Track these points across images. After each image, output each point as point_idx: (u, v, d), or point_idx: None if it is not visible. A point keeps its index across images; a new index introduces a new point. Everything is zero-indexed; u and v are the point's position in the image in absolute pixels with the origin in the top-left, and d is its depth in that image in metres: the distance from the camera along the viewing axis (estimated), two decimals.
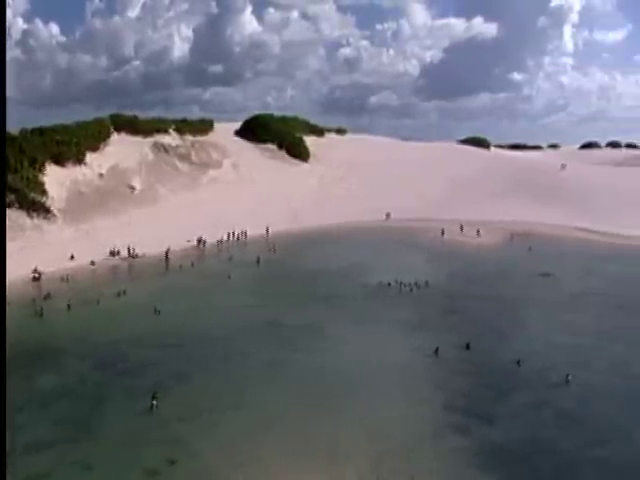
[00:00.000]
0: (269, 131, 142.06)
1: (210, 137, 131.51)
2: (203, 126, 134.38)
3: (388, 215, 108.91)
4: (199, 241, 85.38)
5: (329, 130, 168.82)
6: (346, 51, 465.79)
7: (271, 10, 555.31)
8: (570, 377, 42.55)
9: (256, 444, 32.84)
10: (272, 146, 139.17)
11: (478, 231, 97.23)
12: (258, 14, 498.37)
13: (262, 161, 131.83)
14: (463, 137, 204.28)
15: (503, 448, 33.47)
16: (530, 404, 39.21)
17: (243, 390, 39.51)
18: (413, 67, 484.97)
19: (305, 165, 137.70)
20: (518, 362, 45.05)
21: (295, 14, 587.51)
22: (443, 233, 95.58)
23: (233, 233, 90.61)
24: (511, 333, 53.34)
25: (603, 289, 68.03)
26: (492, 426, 36.07)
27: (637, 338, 52.32)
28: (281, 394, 39.14)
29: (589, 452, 33.44)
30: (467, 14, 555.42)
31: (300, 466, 31.32)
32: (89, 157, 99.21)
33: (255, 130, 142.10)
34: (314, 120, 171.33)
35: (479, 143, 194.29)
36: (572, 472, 31.61)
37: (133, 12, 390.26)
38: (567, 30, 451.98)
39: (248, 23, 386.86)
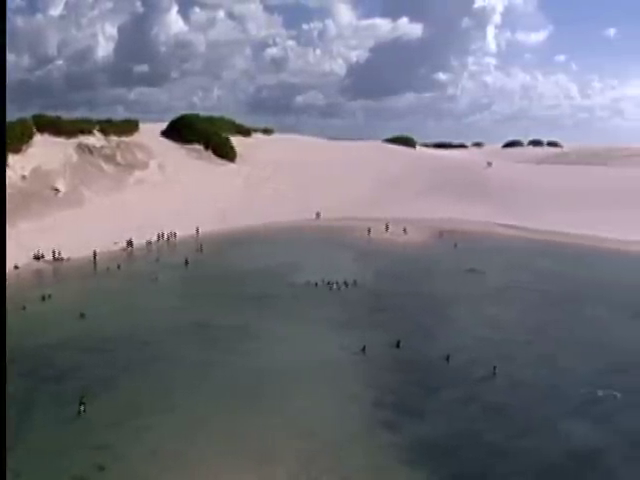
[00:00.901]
0: (195, 131, 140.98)
1: (135, 138, 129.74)
2: (128, 127, 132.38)
3: (318, 214, 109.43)
4: (128, 243, 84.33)
5: (256, 130, 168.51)
6: (273, 51, 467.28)
7: (197, 10, 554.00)
8: (497, 370, 43.51)
9: (186, 446, 32.63)
10: (198, 146, 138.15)
11: (405, 229, 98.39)
12: (184, 13, 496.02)
13: (188, 162, 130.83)
14: (389, 136, 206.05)
15: (432, 443, 33.93)
16: (458, 398, 39.85)
17: (172, 392, 39.13)
18: (339, 67, 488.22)
19: (232, 165, 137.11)
20: (447, 357, 45.84)
21: (221, 14, 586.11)
22: (370, 232, 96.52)
23: (162, 234, 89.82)
24: (439, 329, 54.06)
25: (527, 283, 69.79)
26: (422, 421, 36.53)
27: (561, 331, 53.85)
28: (210, 395, 38.98)
29: (515, 443, 34.22)
30: (393, 15, 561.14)
31: (231, 467, 31.26)
32: (11, 159, 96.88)
33: (181, 130, 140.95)
34: (241, 120, 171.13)
35: (405, 142, 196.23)
36: (499, 463, 32.22)
37: (56, 10, 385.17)
38: (490, 31, 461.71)
39: (174, 22, 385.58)
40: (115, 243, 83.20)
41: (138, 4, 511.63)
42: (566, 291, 67.21)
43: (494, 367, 43.83)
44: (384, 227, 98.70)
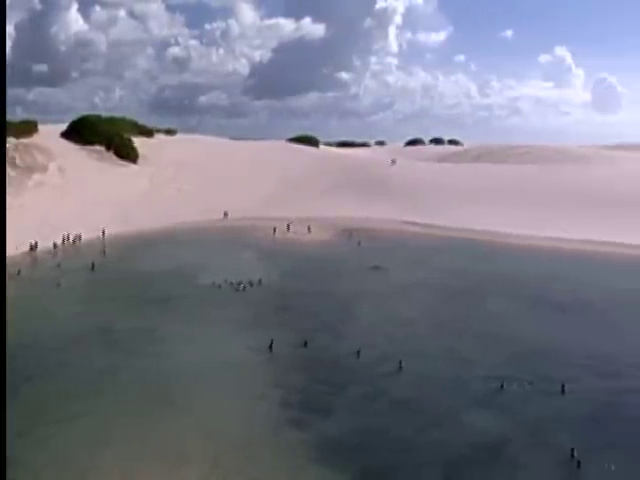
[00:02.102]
0: (96, 132, 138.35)
1: (35, 139, 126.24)
2: (27, 128, 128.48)
3: (226, 214, 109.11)
4: (31, 247, 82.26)
5: (158, 131, 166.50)
6: (175, 50, 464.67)
7: (97, 8, 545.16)
8: (402, 365, 44.33)
9: (94, 454, 32.00)
10: (100, 148, 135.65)
11: (309, 228, 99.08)
12: (84, 12, 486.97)
13: (90, 163, 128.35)
14: (293, 136, 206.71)
15: (341, 440, 34.25)
16: (366, 395, 40.41)
17: (77, 400, 38.14)
18: (243, 67, 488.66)
19: (134, 166, 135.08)
20: (354, 354, 46.43)
21: (122, 13, 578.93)
22: (275, 231, 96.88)
23: (67, 237, 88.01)
24: (345, 327, 54.54)
25: (431, 279, 71.24)
26: (329, 419, 36.86)
27: (464, 325, 55.26)
28: (117, 401, 38.28)
29: (422, 436, 34.88)
30: (296, 15, 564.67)
31: (141, 471, 30.87)
32: None
33: (82, 132, 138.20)
34: (143, 121, 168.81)
35: (308, 141, 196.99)
36: (407, 457, 32.73)
37: None
38: (392, 31, 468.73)
39: (74, 21, 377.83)
40: (16, 248, 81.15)
41: (36, 1, 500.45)
42: (468, 286, 68.96)
43: (400, 362, 44.60)
44: (290, 226, 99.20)
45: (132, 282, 67.92)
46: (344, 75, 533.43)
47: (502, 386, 41.62)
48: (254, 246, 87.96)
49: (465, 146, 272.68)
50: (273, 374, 43.52)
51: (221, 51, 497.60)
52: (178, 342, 49.15)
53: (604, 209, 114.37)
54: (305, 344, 48.59)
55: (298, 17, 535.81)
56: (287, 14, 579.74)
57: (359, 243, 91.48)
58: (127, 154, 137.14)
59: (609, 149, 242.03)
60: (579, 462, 31.83)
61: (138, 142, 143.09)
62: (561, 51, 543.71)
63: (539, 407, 39.20)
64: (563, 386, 41.28)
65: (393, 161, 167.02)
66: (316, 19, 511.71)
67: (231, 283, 66.01)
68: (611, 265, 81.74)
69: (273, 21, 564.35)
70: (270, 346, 47.66)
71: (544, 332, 53.64)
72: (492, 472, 31.69)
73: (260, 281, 67.28)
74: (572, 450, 32.43)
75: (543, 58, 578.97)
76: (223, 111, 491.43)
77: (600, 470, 31.57)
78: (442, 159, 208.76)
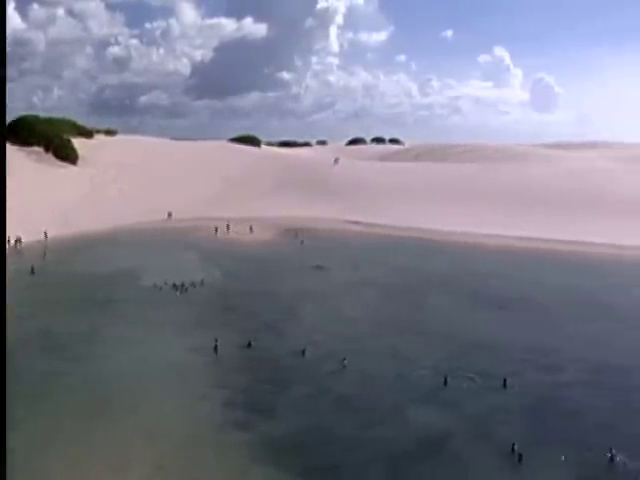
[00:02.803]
0: (35, 133, 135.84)
1: None
2: None
3: (170, 215, 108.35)
4: None
5: (98, 131, 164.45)
6: (115, 50, 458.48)
7: (35, 6, 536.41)
8: (346, 363, 44.67)
9: (34, 461, 31.46)
10: (38, 149, 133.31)
11: (251, 228, 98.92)
12: (22, 10, 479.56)
13: (28, 165, 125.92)
14: (234, 136, 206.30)
15: (285, 439, 34.32)
16: (309, 394, 40.57)
17: (18, 403, 37.31)
18: (184, 66, 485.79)
19: (74, 168, 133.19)
20: (299, 353, 46.69)
21: (61, 11, 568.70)
22: (217, 231, 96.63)
23: (8, 240, 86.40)
24: (288, 326, 54.55)
25: (373, 278, 71.86)
26: (273, 419, 36.85)
27: (406, 323, 55.75)
28: (58, 406, 37.72)
29: (366, 434, 35.09)
30: (237, 14, 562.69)
31: (82, 475, 30.53)
32: None
33: (20, 132, 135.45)
34: (83, 121, 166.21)
35: (250, 141, 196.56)
36: (350, 455, 32.93)
37: None
38: (333, 31, 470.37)
39: (11, 19, 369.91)
40: None
41: None
42: (410, 284, 69.69)
43: (343, 360, 44.98)
44: (232, 226, 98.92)
45: (73, 285, 66.99)
46: (285, 75, 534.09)
47: (445, 382, 42.13)
48: (196, 246, 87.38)
49: (406, 145, 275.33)
50: (216, 375, 43.41)
51: (162, 51, 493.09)
52: (120, 344, 48.56)
53: (542, 207, 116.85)
54: (249, 344, 48.46)
55: (239, 17, 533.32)
56: (228, 14, 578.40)
57: (302, 243, 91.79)
58: (67, 155, 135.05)
59: (547, 148, 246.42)
60: (520, 455, 32.41)
61: (77, 143, 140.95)
62: (500, 51, 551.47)
63: (482, 402, 39.78)
64: (505, 381, 42.02)
65: (336, 160, 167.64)
66: (258, 19, 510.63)
67: (173, 284, 65.37)
68: (549, 261, 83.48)
69: (214, 21, 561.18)
70: (215, 347, 47.46)
71: (485, 328, 54.57)
72: (436, 467, 32.03)
73: (202, 282, 66.97)
74: (513, 444, 33.01)
75: (482, 58, 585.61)
76: (164, 111, 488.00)
77: (540, 463, 32.20)
78: (383, 158, 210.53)
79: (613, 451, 32.82)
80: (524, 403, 39.75)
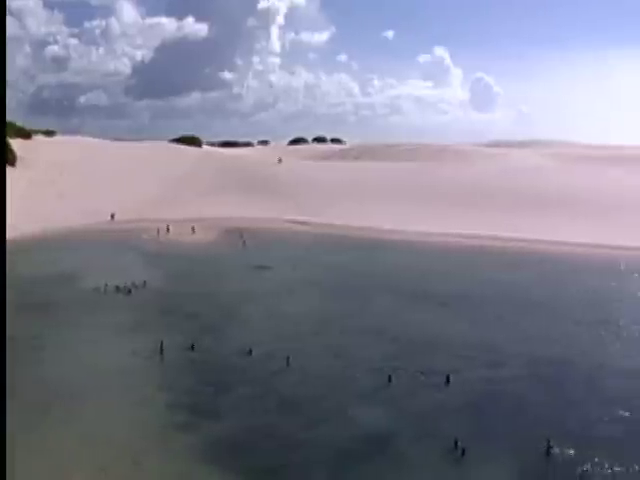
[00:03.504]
0: None
1: None
2: None
3: (112, 216, 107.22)
4: None
5: (37, 132, 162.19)
6: (54, 49, 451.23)
7: None
8: (290, 363, 44.77)
9: None
10: None
11: (193, 228, 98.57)
12: None
13: None
14: (176, 136, 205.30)
15: (229, 441, 34.20)
16: (254, 394, 40.39)
17: None
18: (124, 66, 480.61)
19: (12, 169, 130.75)
20: (243, 354, 46.62)
21: None
22: (159, 232, 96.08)
23: None
24: (232, 327, 54.38)
25: (316, 277, 72.10)
26: (218, 420, 36.68)
27: (349, 321, 56.06)
28: None
29: (310, 433, 35.15)
30: (178, 14, 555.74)
31: None
32: None
33: None
34: (21, 122, 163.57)
35: (191, 142, 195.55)
36: (295, 454, 32.90)
37: None
38: (274, 31, 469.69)
39: None
40: None
41: None
42: (352, 282, 70.23)
43: (287, 359, 45.06)
44: (173, 228, 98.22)
45: (9, 288, 65.48)
46: (227, 75, 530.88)
47: (389, 379, 42.45)
48: (139, 248, 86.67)
49: (348, 144, 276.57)
50: (160, 378, 42.95)
51: (101, 50, 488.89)
52: (60, 349, 47.88)
53: (483, 204, 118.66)
54: (192, 347, 48.06)
55: (180, 16, 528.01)
56: (169, 13, 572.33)
57: (244, 243, 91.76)
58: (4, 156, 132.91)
59: (487, 147, 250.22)
60: (463, 450, 32.82)
61: (15, 144, 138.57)
62: (440, 51, 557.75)
63: (425, 399, 40.19)
64: (448, 377, 42.49)
65: (279, 160, 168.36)
66: (199, 18, 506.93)
67: (116, 287, 64.54)
68: (490, 258, 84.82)
69: (155, 20, 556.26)
70: (159, 349, 47.04)
71: (427, 325, 55.19)
72: (380, 465, 32.17)
73: (145, 284, 66.31)
74: (456, 440, 33.38)
75: (422, 58, 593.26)
76: (104, 112, 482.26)
77: (482, 457, 32.66)
78: (325, 158, 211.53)
79: (550, 442, 33.62)
80: (466, 399, 40.26)
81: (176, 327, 53.34)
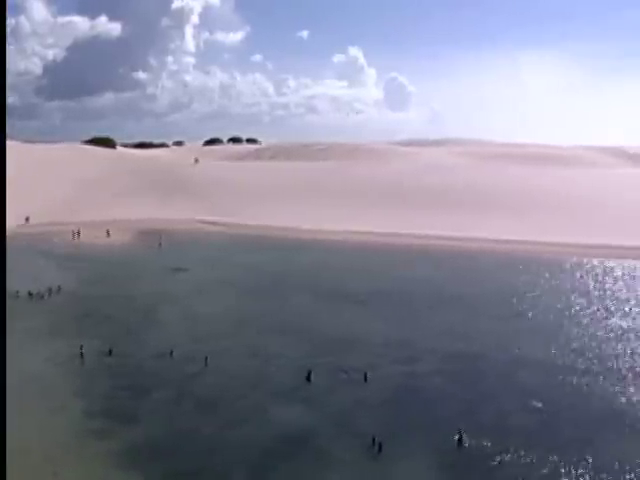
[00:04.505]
0: None
1: None
2: None
3: (27, 219, 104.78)
4: None
5: None
6: None
7: None
8: (209, 364, 44.87)
9: None
10: None
11: (108, 231, 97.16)
12: None
13: None
14: (88, 137, 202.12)
15: (148, 445, 33.99)
16: (172, 397, 40.28)
17: None
18: (35, 66, 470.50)
19: None
20: (160, 357, 46.49)
21: None
22: (74, 235, 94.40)
23: None
24: (150, 330, 53.97)
25: (233, 278, 72.13)
26: (136, 425, 36.35)
27: (267, 321, 56.40)
28: None
29: (230, 434, 35.24)
30: (90, 12, 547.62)
31: None
32: None
33: None
34: None
35: (105, 143, 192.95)
36: (215, 456, 32.93)
37: None
38: (189, 31, 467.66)
39: None
40: None
41: None
42: (269, 283, 70.48)
43: (206, 360, 45.14)
44: (87, 231, 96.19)
45: None
46: (141, 75, 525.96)
47: (308, 378, 42.90)
48: (53, 252, 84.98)
49: (263, 144, 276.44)
50: (77, 384, 42.33)
51: (11, 49, 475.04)
52: None
53: (397, 202, 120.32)
54: (110, 352, 47.49)
55: (93, 15, 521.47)
56: (81, 12, 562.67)
57: (160, 245, 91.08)
58: None
59: (401, 145, 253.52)
60: (380, 446, 33.39)
61: None
62: (354, 51, 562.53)
63: (343, 396, 40.72)
64: (365, 374, 43.19)
65: (196, 160, 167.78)
66: (112, 17, 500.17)
67: (29, 292, 63.13)
68: (407, 255, 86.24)
69: (67, 19, 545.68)
70: (77, 354, 46.45)
71: (344, 324, 55.81)
72: (299, 464, 32.43)
73: (60, 288, 65.11)
74: (374, 436, 33.93)
75: (337, 58, 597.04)
76: (14, 113, 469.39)
77: (399, 451, 33.30)
78: (241, 158, 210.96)
79: (462, 434, 34.70)
80: (384, 395, 40.99)
81: (93, 331, 52.61)
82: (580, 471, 31.56)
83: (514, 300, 64.29)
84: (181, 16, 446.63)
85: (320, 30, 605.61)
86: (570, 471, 31.57)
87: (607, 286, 71.43)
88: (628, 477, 31.10)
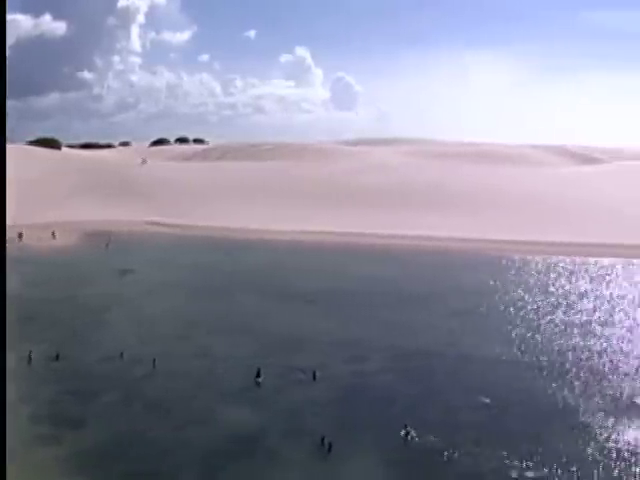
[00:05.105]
0: None
1: None
2: None
3: None
4: None
5: None
6: None
7: None
8: (157, 366, 44.59)
9: None
10: None
11: (53, 233, 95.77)
12: None
13: None
14: (33, 138, 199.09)
15: (97, 449, 33.54)
16: (120, 400, 39.86)
17: None
18: None
19: None
20: (108, 360, 45.96)
21: None
22: (20, 238, 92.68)
23: None
24: (97, 334, 53.22)
25: (181, 280, 71.97)
26: (84, 430, 35.89)
27: (215, 323, 56.18)
28: None
29: (180, 436, 34.93)
30: (34, 11, 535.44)
31: None
32: None
33: None
34: None
35: (49, 144, 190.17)
36: (165, 459, 32.68)
37: None
38: (135, 30, 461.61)
39: None
40: None
41: None
42: (216, 283, 70.36)
43: (154, 362, 44.82)
44: (33, 233, 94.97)
45: None
46: (86, 75, 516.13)
47: (257, 378, 42.91)
48: None
49: (210, 144, 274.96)
50: (21, 389, 40.95)
51: None
52: None
53: (346, 202, 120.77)
54: (57, 356, 46.71)
55: (37, 14, 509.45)
56: (25, 10, 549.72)
57: (107, 246, 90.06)
58: None
59: (349, 144, 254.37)
60: (330, 445, 33.44)
61: None
62: (301, 51, 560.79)
63: (293, 396, 40.78)
64: (314, 373, 43.32)
65: (144, 160, 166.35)
66: (56, 16, 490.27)
67: None
68: (357, 254, 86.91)
69: (10, 17, 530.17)
70: (29, 359, 45.77)
71: (294, 323, 55.93)
72: (249, 465, 32.34)
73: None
74: (323, 436, 33.95)
75: (284, 58, 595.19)
76: None
77: (348, 450, 33.39)
78: (188, 158, 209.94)
79: (408, 429, 35.05)
80: (333, 394, 41.11)
81: (39, 335, 51.67)
82: (528, 464, 32.00)
83: (464, 297, 65.18)
84: (127, 15, 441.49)
85: (267, 30, 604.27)
86: (518, 465, 31.98)
87: (554, 282, 72.92)
88: (574, 469, 31.53)
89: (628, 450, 33.81)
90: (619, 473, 31.63)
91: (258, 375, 43.11)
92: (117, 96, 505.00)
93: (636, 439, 35.15)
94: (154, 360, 45.14)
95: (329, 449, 33.42)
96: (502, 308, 61.92)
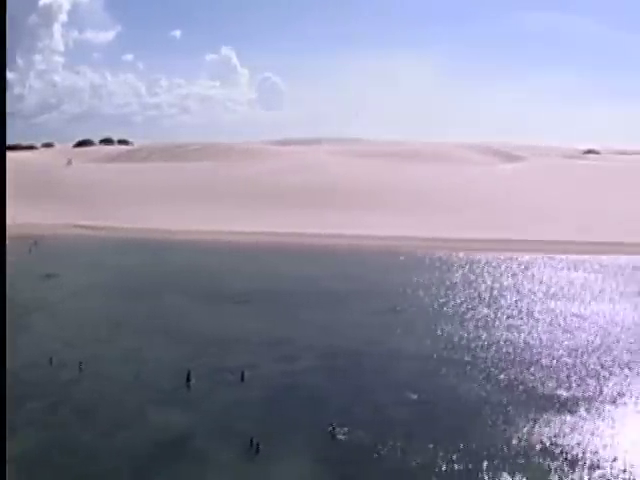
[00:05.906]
0: None
1: None
2: None
3: None
4: None
5: None
6: None
7: None
8: (83, 369, 44.30)
9: None
10: None
11: None
12: None
13: None
14: None
15: (23, 458, 32.61)
16: (48, 406, 39.45)
17: None
18: None
19: None
20: (34, 366, 45.32)
21: None
22: None
23: None
24: (21, 339, 50.71)
25: (107, 283, 71.64)
26: (9, 439, 33.63)
27: (143, 325, 56.08)
28: None
29: (108, 441, 34.62)
30: None
31: None
32: None
33: None
34: None
35: None
36: (92, 464, 32.28)
37: None
38: (57, 29, 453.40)
39: None
40: None
41: None
42: (145, 285, 70.24)
43: (80, 366, 44.53)
44: None
45: None
46: (7, 74, 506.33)
47: (188, 380, 42.95)
48: None
49: (135, 145, 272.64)
50: None
51: None
52: None
53: (275, 202, 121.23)
54: None
55: None
56: None
57: (30, 250, 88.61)
58: None
59: (276, 144, 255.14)
60: (258, 446, 33.65)
61: None
62: (226, 51, 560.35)
63: (221, 397, 40.91)
64: (242, 374, 43.55)
65: (69, 161, 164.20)
66: None
67: None
68: (287, 254, 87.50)
69: None
70: None
71: (221, 324, 56.08)
72: (178, 468, 32.39)
73: None
74: (251, 438, 34.11)
75: (210, 57, 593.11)
76: None
77: (276, 451, 33.68)
78: (113, 159, 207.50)
79: (334, 427, 35.70)
80: (261, 394, 41.41)
81: None
82: (455, 458, 32.79)
83: (392, 295, 66.32)
84: (49, 14, 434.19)
85: (192, 30, 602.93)
86: (445, 459, 32.72)
87: (478, 279, 74.64)
88: (498, 462, 32.46)
89: (551, 442, 34.85)
90: (540, 462, 32.67)
91: (188, 379, 43.05)
92: (39, 96, 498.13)
93: (557, 430, 36.30)
94: (80, 363, 44.77)
95: (257, 450, 33.60)
96: (429, 305, 63.46)
